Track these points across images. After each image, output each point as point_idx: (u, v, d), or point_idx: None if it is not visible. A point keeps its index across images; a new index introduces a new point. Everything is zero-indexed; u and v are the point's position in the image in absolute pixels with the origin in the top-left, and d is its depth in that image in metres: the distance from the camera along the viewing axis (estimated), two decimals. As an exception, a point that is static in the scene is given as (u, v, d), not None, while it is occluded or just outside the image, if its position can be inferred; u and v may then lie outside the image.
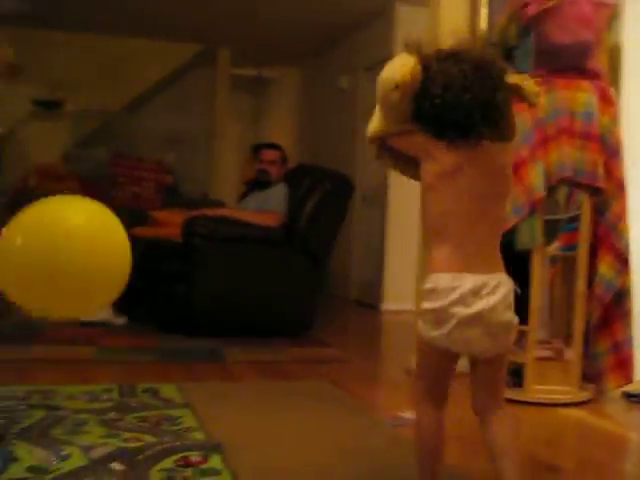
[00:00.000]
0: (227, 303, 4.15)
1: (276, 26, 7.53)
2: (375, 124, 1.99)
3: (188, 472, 2.15)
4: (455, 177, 1.74)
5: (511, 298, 1.79)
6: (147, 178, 7.87)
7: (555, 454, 2.71)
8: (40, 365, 3.68)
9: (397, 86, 1.78)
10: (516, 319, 1.78)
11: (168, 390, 3.16)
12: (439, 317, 1.72)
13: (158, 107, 8.53)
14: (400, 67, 1.80)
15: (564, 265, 3.65)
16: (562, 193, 3.55)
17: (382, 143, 2.01)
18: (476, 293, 1.71)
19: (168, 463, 2.22)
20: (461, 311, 1.70)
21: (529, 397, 3.31)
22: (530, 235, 3.32)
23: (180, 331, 4.55)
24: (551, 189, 3.37)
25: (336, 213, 4.96)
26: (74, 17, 7.46)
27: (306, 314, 4.85)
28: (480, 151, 1.74)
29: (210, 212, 4.91)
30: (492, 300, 1.72)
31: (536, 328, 3.37)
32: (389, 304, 6.57)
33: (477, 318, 1.70)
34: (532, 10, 3.41)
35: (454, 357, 1.81)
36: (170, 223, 5.31)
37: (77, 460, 2.20)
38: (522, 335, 3.41)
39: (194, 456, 2.29)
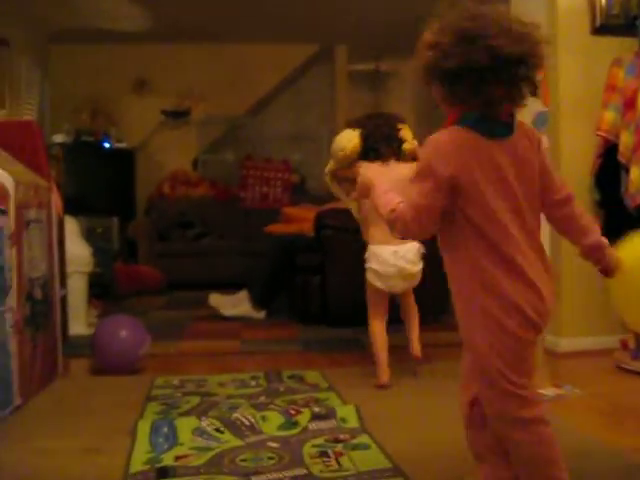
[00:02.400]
0: (361, 292, 4.23)
1: (390, 17, 7.57)
2: (332, 166, 3.38)
3: (339, 447, 2.26)
4: None
5: (415, 256, 3.15)
6: (275, 178, 8.08)
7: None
8: (190, 358, 3.89)
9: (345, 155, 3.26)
10: (419, 267, 3.17)
11: (312, 376, 3.30)
12: (379, 274, 3.13)
13: (281, 108, 8.74)
14: (347, 142, 3.27)
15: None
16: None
17: (335, 175, 3.40)
18: (395, 257, 3.09)
19: (319, 440, 2.34)
20: (390, 270, 3.11)
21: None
22: (664, 206, 3.27)
23: (318, 322, 4.70)
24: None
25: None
26: (194, 29, 7.74)
27: (439, 300, 4.88)
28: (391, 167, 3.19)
29: (341, 205, 5.00)
30: (403, 262, 3.11)
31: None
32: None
33: (398, 274, 3.13)
34: (654, -24, 3.35)
35: (386, 293, 3.20)
36: (302, 218, 5.47)
37: (234, 441, 2.35)
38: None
39: (343, 434, 2.41)
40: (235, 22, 7.56)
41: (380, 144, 3.26)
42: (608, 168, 3.54)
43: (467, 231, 1.62)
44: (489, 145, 1.60)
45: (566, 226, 1.74)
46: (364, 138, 3.24)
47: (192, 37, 8.00)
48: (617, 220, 3.60)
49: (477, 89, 1.56)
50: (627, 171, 3.36)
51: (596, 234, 1.72)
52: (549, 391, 3.03)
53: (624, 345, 3.55)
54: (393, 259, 3.10)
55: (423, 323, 4.59)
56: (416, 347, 3.31)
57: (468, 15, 1.58)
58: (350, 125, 3.34)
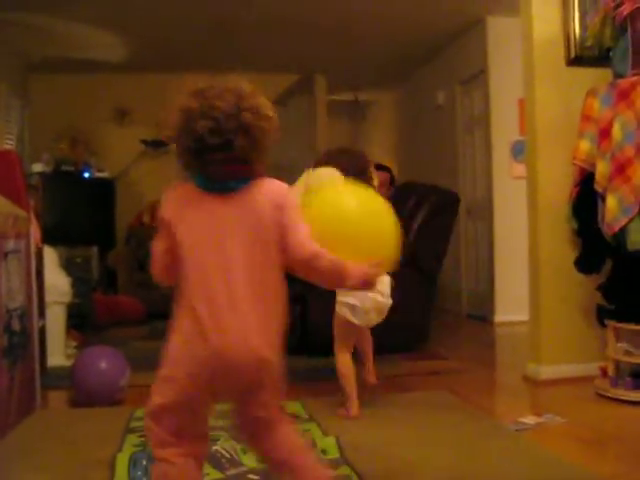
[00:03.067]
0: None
1: (369, 49, 7.66)
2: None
3: (320, 478, 2.24)
4: None
5: (388, 290, 3.18)
6: (255, 207, 8.08)
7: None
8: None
9: None
10: (390, 301, 3.20)
11: (293, 406, 3.28)
12: (356, 309, 3.14)
13: (260, 137, 8.76)
14: (329, 179, 3.04)
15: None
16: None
17: None
18: (373, 292, 3.01)
19: (300, 472, 2.32)
20: (367, 305, 3.12)
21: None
22: (641, 234, 3.29)
23: (298, 352, 4.67)
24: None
25: (444, 227, 5.00)
26: (174, 59, 7.78)
27: (420, 328, 4.90)
28: None
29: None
30: (380, 297, 3.13)
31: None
32: (501, 316, 6.53)
33: (375, 307, 3.15)
34: (626, 9, 3.39)
35: (357, 327, 3.21)
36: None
37: (214, 474, 2.33)
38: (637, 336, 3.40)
39: (323, 465, 2.39)
40: (214, 52, 7.60)
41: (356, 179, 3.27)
42: (585, 197, 3.58)
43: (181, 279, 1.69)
44: (212, 199, 1.69)
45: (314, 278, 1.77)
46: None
47: (172, 67, 8.03)
48: (595, 248, 3.64)
49: (196, 158, 1.67)
50: (604, 200, 3.40)
51: (352, 278, 1.76)
52: (530, 419, 3.03)
53: (604, 372, 3.57)
54: (371, 293, 3.06)
55: (403, 352, 4.64)
56: (372, 375, 3.44)
57: (195, 91, 1.72)
58: (323, 162, 3.21)
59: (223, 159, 1.66)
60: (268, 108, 1.75)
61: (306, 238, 1.72)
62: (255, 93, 1.75)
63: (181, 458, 1.69)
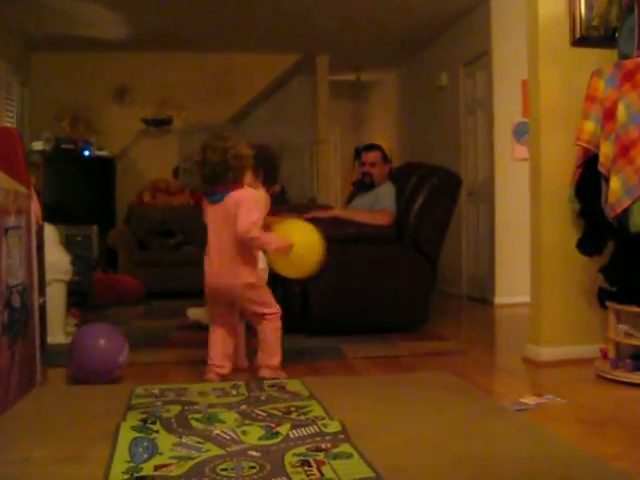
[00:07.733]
0: (342, 302, 4.25)
1: (372, 29, 7.61)
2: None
3: (321, 456, 2.25)
4: None
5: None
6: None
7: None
8: (170, 366, 3.87)
9: None
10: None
11: (294, 385, 3.29)
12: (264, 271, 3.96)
13: (261, 117, 8.74)
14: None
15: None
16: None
17: None
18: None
19: (301, 449, 2.33)
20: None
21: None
22: (645, 216, 3.27)
23: (298, 331, 4.68)
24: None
25: (445, 208, 4.98)
26: (176, 38, 7.74)
27: (420, 309, 4.90)
28: None
29: (323, 214, 4.99)
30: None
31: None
32: (501, 298, 6.53)
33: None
34: (633, -11, 3.37)
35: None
36: (282, 227, 5.44)
37: (215, 450, 2.33)
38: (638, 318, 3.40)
39: (324, 443, 2.39)
40: (217, 31, 7.56)
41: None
42: (588, 178, 3.56)
43: None
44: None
45: None
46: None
47: (174, 46, 8.00)
48: (597, 230, 3.63)
49: None
50: (607, 181, 3.38)
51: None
52: (530, 400, 3.03)
53: (604, 354, 3.57)
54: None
55: (404, 332, 4.64)
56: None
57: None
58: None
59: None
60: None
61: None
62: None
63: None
